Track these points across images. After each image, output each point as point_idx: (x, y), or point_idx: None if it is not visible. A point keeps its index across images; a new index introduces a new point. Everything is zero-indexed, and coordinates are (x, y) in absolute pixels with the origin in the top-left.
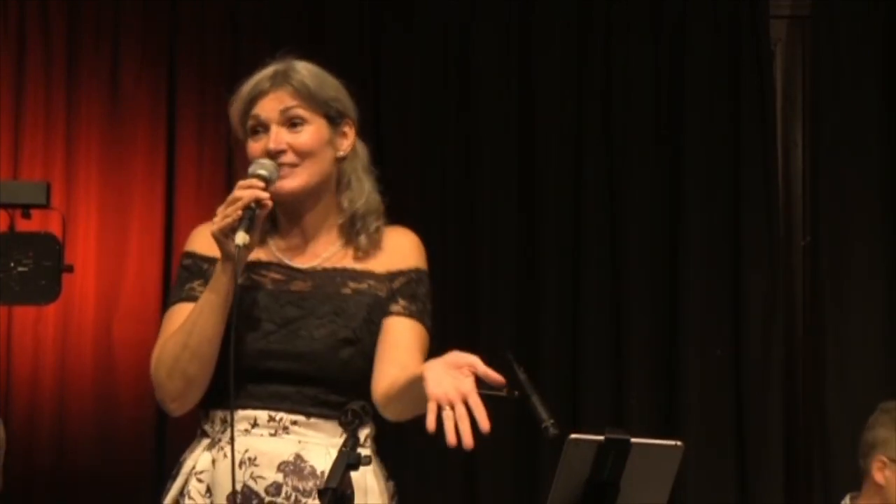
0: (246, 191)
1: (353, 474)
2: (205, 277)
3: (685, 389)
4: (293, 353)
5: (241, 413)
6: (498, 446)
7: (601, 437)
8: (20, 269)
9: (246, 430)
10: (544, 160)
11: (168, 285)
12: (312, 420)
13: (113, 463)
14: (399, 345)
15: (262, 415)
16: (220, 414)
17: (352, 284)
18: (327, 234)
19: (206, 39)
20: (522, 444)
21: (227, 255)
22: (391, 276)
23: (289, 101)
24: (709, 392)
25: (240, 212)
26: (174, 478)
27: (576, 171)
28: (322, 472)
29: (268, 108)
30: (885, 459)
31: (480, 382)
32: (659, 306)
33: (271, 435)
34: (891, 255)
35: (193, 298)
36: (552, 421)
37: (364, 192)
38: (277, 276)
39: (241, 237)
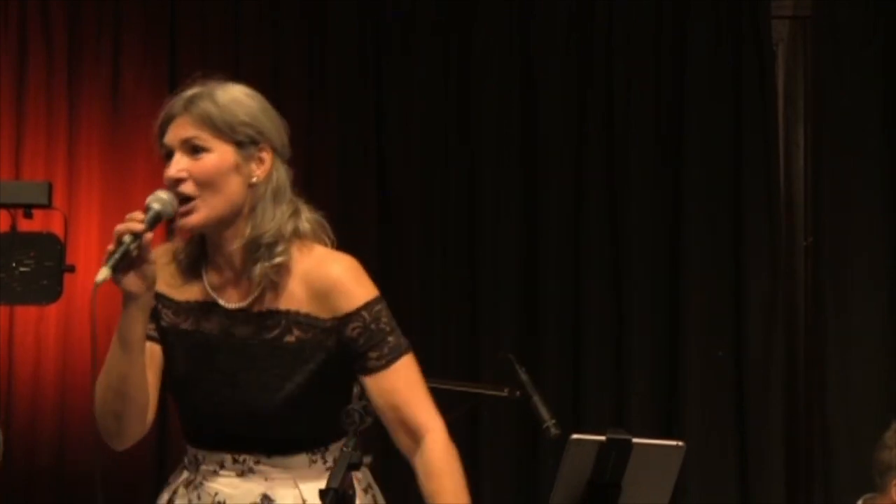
0: (122, 225)
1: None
2: (155, 316)
3: (686, 390)
4: (244, 413)
5: (209, 455)
6: (499, 446)
7: (603, 438)
8: (22, 268)
9: (215, 472)
10: (545, 162)
11: None
12: (275, 458)
13: (113, 462)
14: (390, 407)
15: (227, 457)
16: (193, 452)
17: (296, 332)
18: (248, 266)
19: (207, 39)
20: (524, 444)
21: (126, 295)
22: (339, 321)
23: (190, 129)
24: (710, 392)
25: (110, 247)
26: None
27: (577, 170)
28: None
29: (172, 134)
30: None
31: (483, 384)
32: (660, 307)
33: (238, 475)
34: (892, 255)
35: (148, 338)
36: (554, 421)
37: (271, 219)
38: (220, 321)
39: (102, 273)
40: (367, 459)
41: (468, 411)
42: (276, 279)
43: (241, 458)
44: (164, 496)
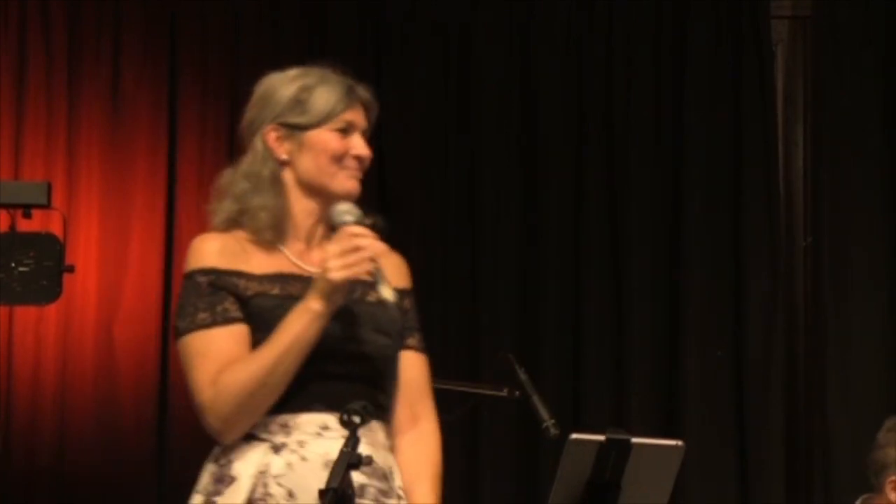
0: (366, 240)
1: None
2: (237, 293)
3: (686, 390)
4: (355, 355)
5: (306, 416)
6: (499, 446)
7: (602, 437)
8: (21, 269)
9: (318, 434)
10: (545, 161)
11: (168, 284)
12: (371, 423)
13: (113, 462)
14: (413, 385)
15: (330, 418)
16: (278, 419)
17: (372, 294)
18: (321, 238)
19: (207, 39)
20: (523, 444)
21: (331, 300)
22: (401, 293)
23: (366, 120)
24: (710, 392)
25: (369, 264)
26: (223, 482)
27: (577, 170)
28: (390, 471)
29: (358, 117)
30: None
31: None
32: (660, 306)
33: (343, 437)
34: (892, 254)
35: (231, 321)
36: (553, 421)
37: None
38: (302, 286)
39: (388, 292)
40: (367, 459)
41: (468, 411)
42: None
43: (346, 420)
44: (247, 469)
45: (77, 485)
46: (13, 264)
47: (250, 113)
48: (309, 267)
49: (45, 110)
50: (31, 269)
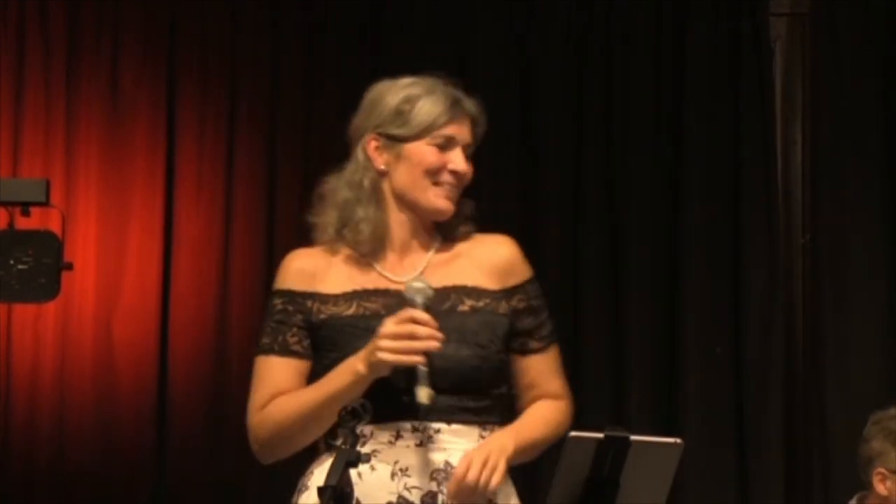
0: (425, 330)
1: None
2: (304, 313)
3: (685, 388)
4: (433, 370)
5: (384, 426)
6: None
7: (601, 435)
8: (20, 266)
9: (390, 442)
10: (545, 158)
11: (167, 282)
12: (454, 426)
13: (112, 460)
14: (535, 385)
15: (405, 426)
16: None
17: (468, 302)
18: (420, 248)
19: (206, 38)
20: None
21: (375, 371)
22: (507, 293)
23: (470, 136)
24: (709, 391)
25: (418, 359)
26: (300, 491)
27: (576, 168)
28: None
29: (461, 131)
30: (884, 471)
31: None
32: (659, 305)
33: (417, 445)
34: (891, 253)
35: (289, 353)
36: None
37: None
38: (383, 301)
39: (426, 395)
40: (365, 457)
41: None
42: (443, 259)
43: (421, 427)
44: (320, 478)
45: (76, 482)
46: (12, 262)
47: (357, 119)
48: (398, 278)
49: (44, 108)
50: (30, 266)
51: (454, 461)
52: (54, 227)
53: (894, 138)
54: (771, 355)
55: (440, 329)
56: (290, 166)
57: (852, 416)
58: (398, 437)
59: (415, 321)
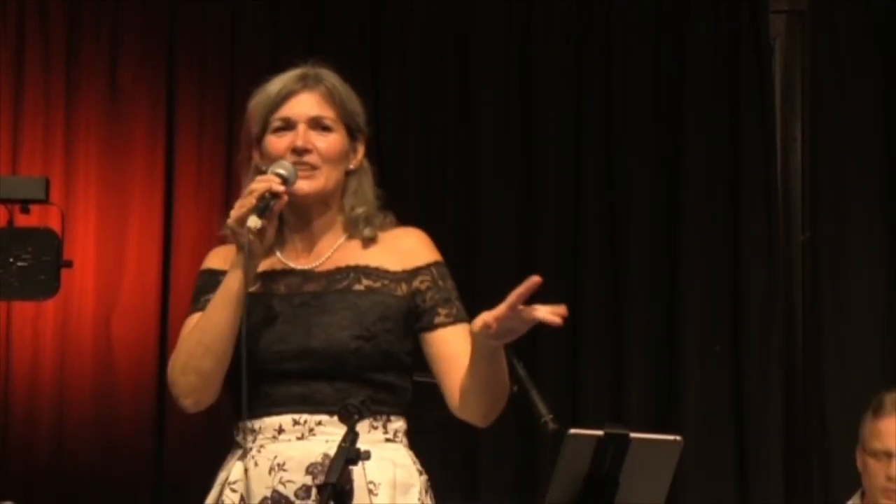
0: (261, 183)
1: (383, 460)
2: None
3: (684, 386)
4: (308, 351)
5: (266, 421)
6: (497, 441)
7: (600, 432)
8: (19, 264)
9: (273, 437)
10: (544, 157)
11: (167, 281)
12: (337, 418)
13: (112, 457)
14: (458, 355)
15: (286, 419)
16: (249, 424)
17: (365, 281)
18: (330, 237)
19: (206, 37)
20: (522, 438)
21: (241, 246)
22: (408, 274)
23: (321, 105)
24: (708, 389)
25: (253, 201)
26: (210, 490)
27: (575, 166)
28: (350, 469)
29: (298, 108)
30: (861, 449)
31: None
32: (658, 301)
33: (298, 439)
34: (890, 249)
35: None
36: (551, 416)
37: (367, 201)
38: (290, 281)
39: (252, 220)
40: (365, 455)
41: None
42: (374, 236)
43: (301, 420)
44: (221, 476)
45: (75, 480)
46: (11, 259)
47: None
48: (300, 266)
49: (44, 106)
50: (29, 264)
51: (332, 453)
52: (54, 224)
53: (894, 137)
54: (770, 351)
55: (333, 308)
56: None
57: (852, 416)
58: (280, 431)
59: (256, 181)
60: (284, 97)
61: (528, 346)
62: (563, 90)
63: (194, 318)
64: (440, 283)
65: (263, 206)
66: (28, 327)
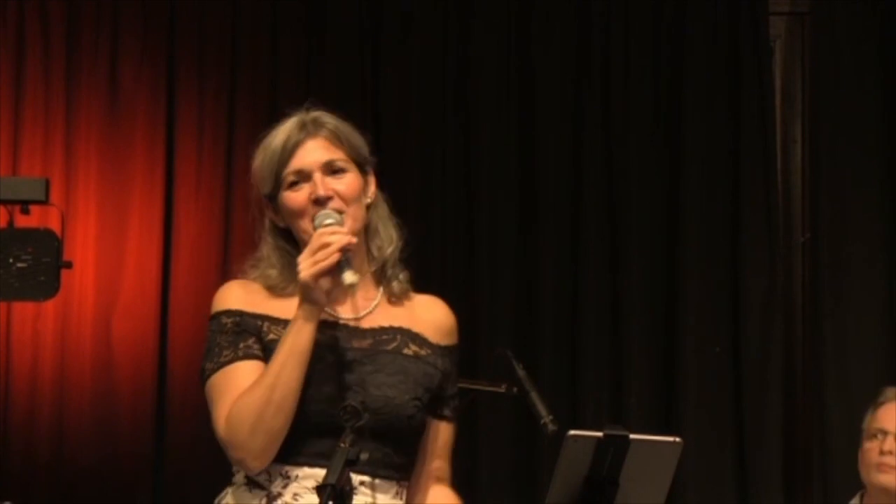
0: (334, 235)
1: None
2: (259, 335)
3: (684, 388)
4: (367, 408)
5: (307, 471)
6: (497, 442)
7: (600, 434)
8: (19, 265)
9: (309, 489)
10: (544, 158)
11: (167, 280)
12: (377, 482)
13: (112, 457)
14: (440, 453)
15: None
16: (282, 469)
17: (412, 346)
18: (364, 284)
19: (206, 37)
20: (522, 440)
21: (313, 303)
22: (444, 350)
23: (329, 148)
24: (708, 390)
25: (336, 254)
26: None
27: (575, 166)
28: None
29: (308, 157)
30: (861, 447)
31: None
32: (658, 303)
33: None
34: (890, 251)
35: (253, 356)
36: (551, 417)
37: (392, 239)
38: (335, 333)
39: (351, 276)
40: (364, 456)
41: (466, 407)
42: (395, 299)
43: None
44: (229, 499)
45: (75, 479)
46: (11, 260)
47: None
48: (346, 315)
49: (44, 107)
50: (29, 265)
51: None
52: (54, 225)
53: (894, 137)
54: (770, 352)
55: (386, 369)
56: None
57: (852, 417)
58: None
59: (321, 234)
60: (291, 150)
61: (528, 346)
62: (563, 90)
63: (239, 368)
64: (455, 371)
65: (348, 259)
66: (28, 328)
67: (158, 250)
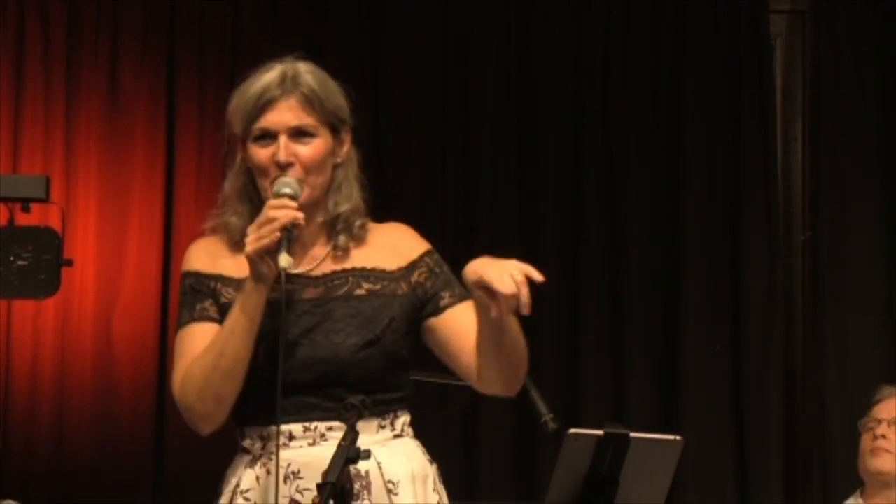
0: (281, 211)
1: (398, 456)
2: (214, 297)
3: (684, 387)
4: (315, 361)
5: (274, 429)
6: (497, 441)
7: (600, 432)
8: (19, 262)
9: (284, 445)
10: (544, 156)
11: (167, 278)
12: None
13: (111, 455)
14: (470, 330)
15: (296, 427)
16: (258, 430)
17: (365, 285)
18: (318, 236)
19: (206, 35)
20: (522, 438)
21: (259, 277)
22: (406, 270)
23: (299, 113)
24: (708, 390)
25: (277, 233)
26: (218, 496)
27: (576, 166)
28: (367, 472)
29: (277, 118)
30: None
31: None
32: (658, 302)
33: (310, 445)
34: (890, 249)
35: (208, 318)
36: (551, 415)
37: (352, 198)
38: (288, 287)
39: (285, 260)
40: (364, 454)
41: (466, 406)
42: (341, 252)
43: (312, 426)
44: (230, 482)
45: (75, 478)
46: (11, 258)
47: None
48: (294, 269)
49: (44, 104)
50: (30, 262)
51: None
52: (54, 223)
53: (894, 136)
54: (771, 354)
55: (335, 316)
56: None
57: (852, 416)
58: (291, 438)
59: (270, 206)
60: (263, 107)
61: (529, 345)
62: (563, 90)
63: (193, 329)
64: (437, 270)
65: (288, 239)
66: (28, 326)
67: (158, 249)
